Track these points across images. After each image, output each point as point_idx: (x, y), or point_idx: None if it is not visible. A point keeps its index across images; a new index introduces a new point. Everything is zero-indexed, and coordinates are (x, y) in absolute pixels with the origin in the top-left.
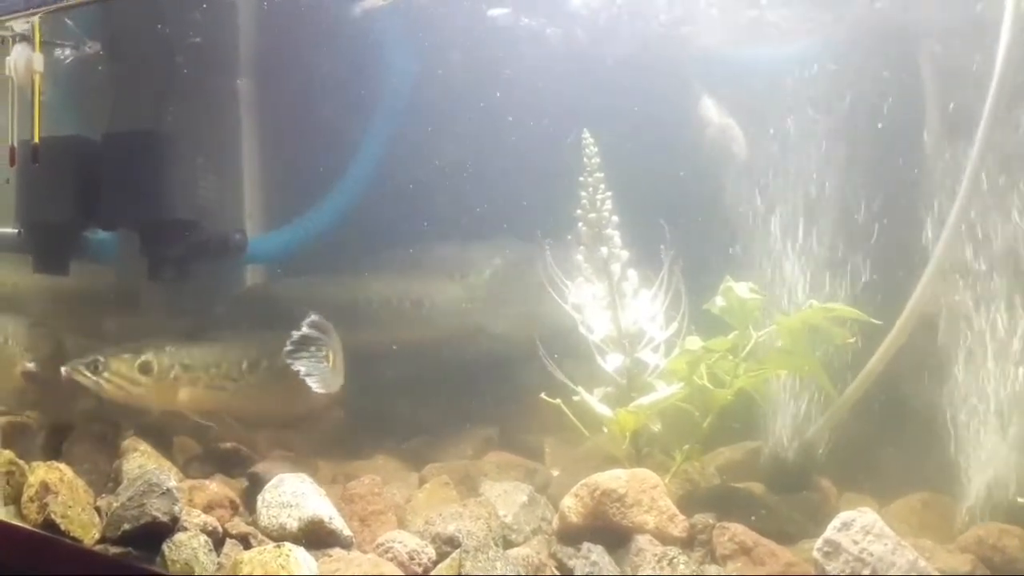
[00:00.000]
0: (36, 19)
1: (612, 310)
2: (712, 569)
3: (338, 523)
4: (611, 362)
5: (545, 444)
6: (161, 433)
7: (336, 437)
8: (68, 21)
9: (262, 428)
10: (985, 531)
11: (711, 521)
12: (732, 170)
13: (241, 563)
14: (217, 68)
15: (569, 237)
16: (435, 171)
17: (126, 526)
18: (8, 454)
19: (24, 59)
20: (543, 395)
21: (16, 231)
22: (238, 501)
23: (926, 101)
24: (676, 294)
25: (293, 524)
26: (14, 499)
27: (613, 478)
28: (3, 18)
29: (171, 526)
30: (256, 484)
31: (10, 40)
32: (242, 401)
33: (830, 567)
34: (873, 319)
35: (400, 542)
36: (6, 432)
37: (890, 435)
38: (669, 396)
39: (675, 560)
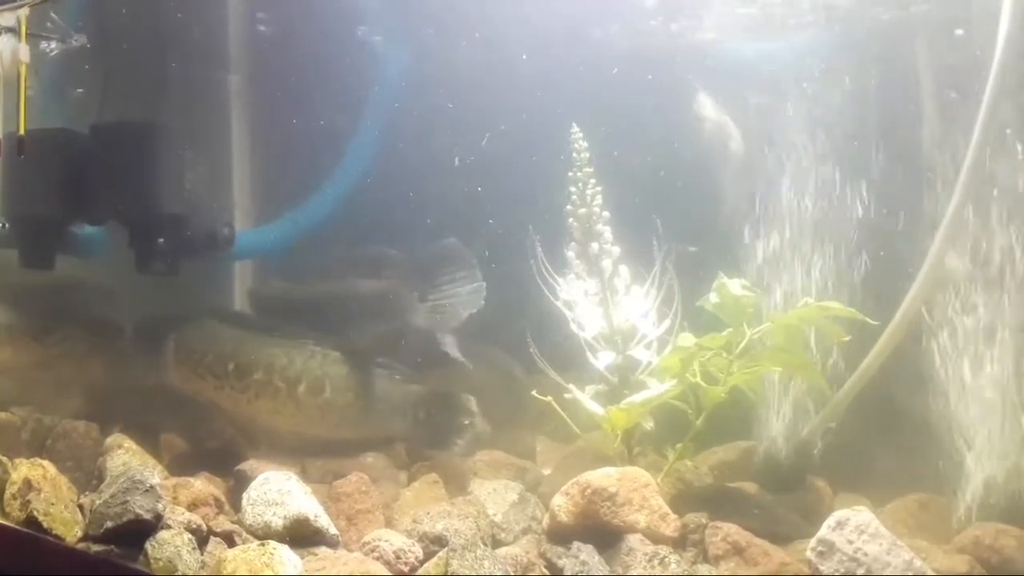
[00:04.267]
0: (23, 12)
1: (604, 307)
2: (704, 569)
3: (324, 521)
4: (603, 359)
5: (536, 442)
6: (147, 430)
7: None
8: (54, 15)
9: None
10: (982, 531)
11: (703, 520)
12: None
13: (225, 561)
14: (206, 60)
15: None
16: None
17: (109, 524)
18: None
19: (9, 50)
20: (534, 392)
21: (0, 224)
22: (223, 499)
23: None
24: (669, 290)
25: (278, 522)
26: None
27: (604, 476)
28: None
29: (154, 524)
30: (242, 482)
31: None
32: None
33: (824, 567)
34: (869, 318)
35: (386, 541)
36: None
37: (886, 435)
38: (662, 394)
39: (666, 559)
